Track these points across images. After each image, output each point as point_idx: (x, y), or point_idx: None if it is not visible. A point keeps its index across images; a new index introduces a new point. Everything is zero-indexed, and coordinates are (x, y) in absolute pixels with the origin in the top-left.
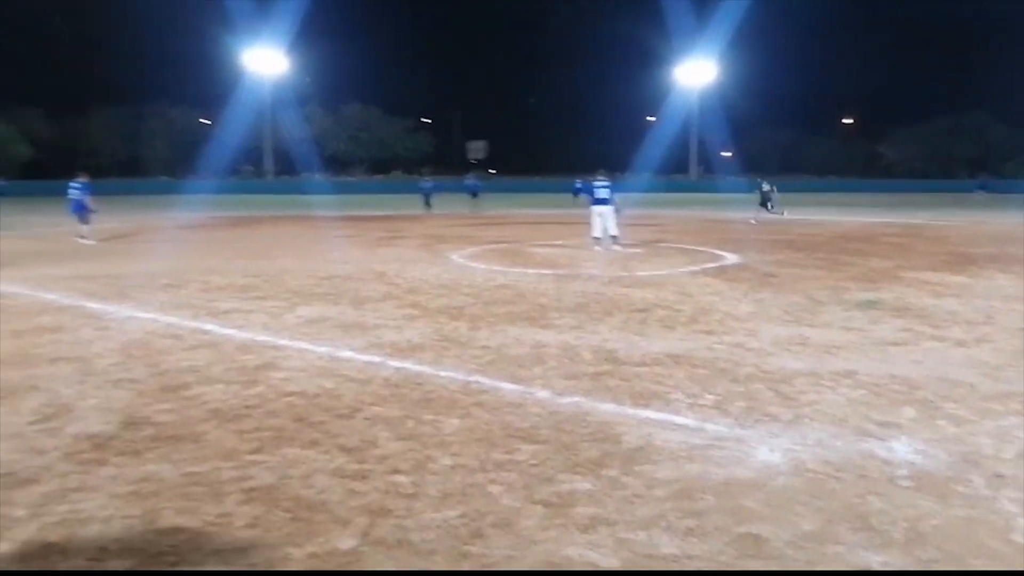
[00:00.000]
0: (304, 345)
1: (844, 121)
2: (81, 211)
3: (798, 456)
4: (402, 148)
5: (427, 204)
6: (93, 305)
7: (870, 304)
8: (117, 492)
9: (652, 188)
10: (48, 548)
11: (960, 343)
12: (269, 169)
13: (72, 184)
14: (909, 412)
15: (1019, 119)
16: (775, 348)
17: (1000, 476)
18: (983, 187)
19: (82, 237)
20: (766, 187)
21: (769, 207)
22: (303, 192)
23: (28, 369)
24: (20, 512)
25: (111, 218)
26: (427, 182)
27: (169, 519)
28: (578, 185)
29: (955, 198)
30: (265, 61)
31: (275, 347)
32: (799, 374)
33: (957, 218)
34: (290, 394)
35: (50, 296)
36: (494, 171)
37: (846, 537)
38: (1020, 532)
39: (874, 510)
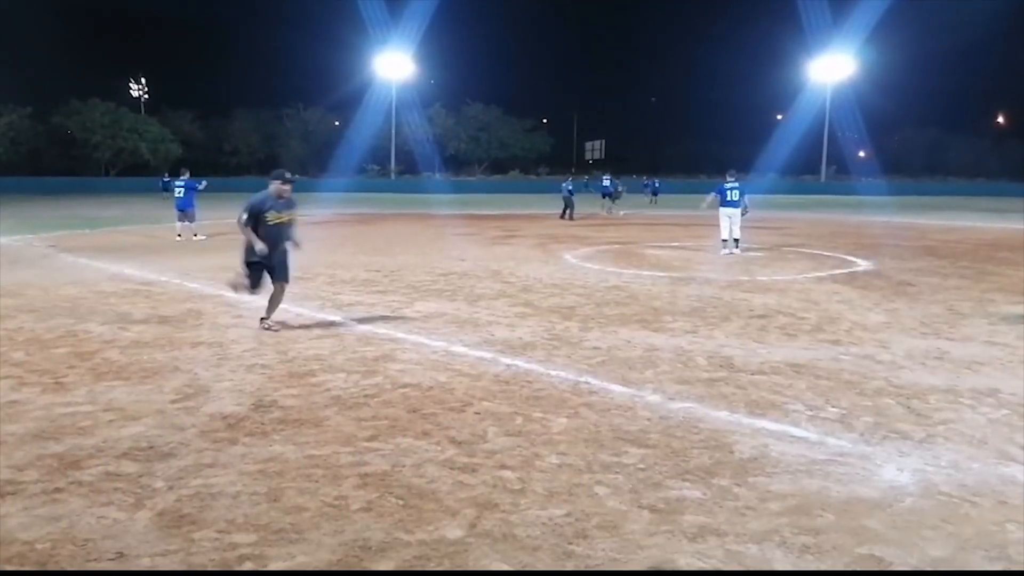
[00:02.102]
0: (420, 339)
1: (996, 119)
2: (187, 208)
3: (929, 477)
4: (520, 148)
5: (569, 206)
6: (231, 295)
7: (1019, 318)
8: (246, 470)
9: (779, 189)
10: (182, 519)
11: None
12: (393, 169)
13: (176, 182)
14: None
15: None
16: (909, 361)
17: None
18: None
19: (193, 235)
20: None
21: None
22: (424, 191)
23: (172, 351)
24: (159, 483)
25: None
26: (570, 183)
27: (291, 498)
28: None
29: None
30: (393, 65)
31: (393, 340)
32: (935, 390)
33: None
34: (405, 386)
35: (193, 285)
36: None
37: (979, 565)
38: None
39: (1013, 539)
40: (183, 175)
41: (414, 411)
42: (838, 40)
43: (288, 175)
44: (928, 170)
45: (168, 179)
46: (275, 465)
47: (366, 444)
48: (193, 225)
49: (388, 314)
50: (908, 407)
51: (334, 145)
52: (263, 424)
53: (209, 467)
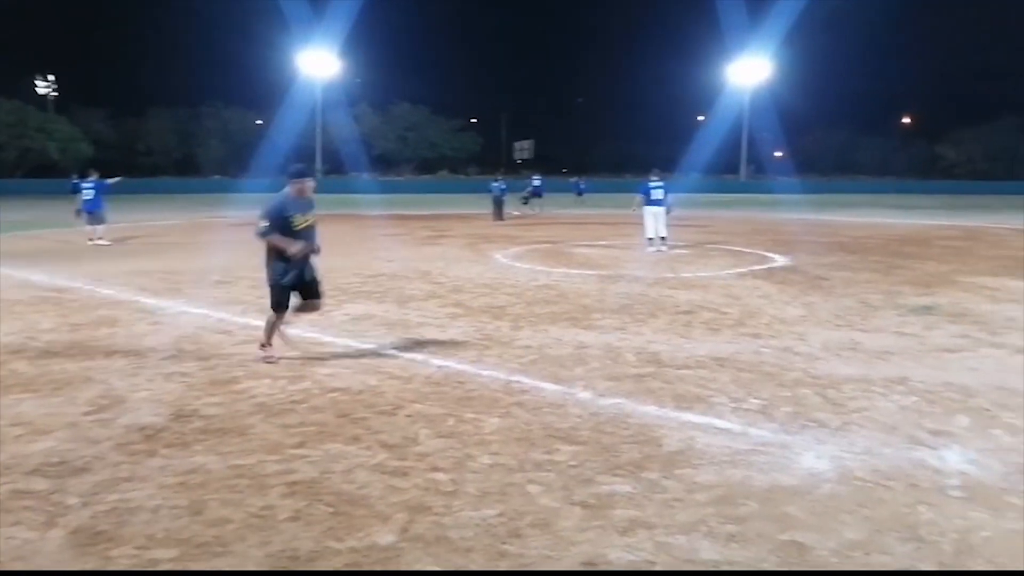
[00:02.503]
0: (349, 342)
1: (902, 120)
2: (95, 210)
3: (845, 464)
4: (449, 148)
5: (498, 206)
6: (147, 300)
7: (925, 309)
8: (165, 483)
9: (701, 188)
10: (97, 536)
11: (1019, 350)
12: (319, 168)
13: (84, 183)
14: (963, 421)
15: None
16: (824, 353)
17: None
18: None
19: (97, 239)
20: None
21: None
22: (351, 191)
23: (84, 361)
24: (73, 500)
25: (165, 216)
26: (499, 183)
27: (215, 510)
28: (581, 186)
29: (1021, 200)
30: (317, 63)
31: (321, 343)
32: (849, 380)
33: (1021, 221)
34: (334, 390)
35: (107, 291)
36: (567, 171)
37: (893, 547)
38: None
39: (923, 520)
40: (91, 176)
41: (343, 416)
42: (755, 44)
43: (308, 170)
44: (839, 169)
45: (77, 180)
46: (197, 477)
47: (293, 451)
48: (100, 229)
49: (316, 317)
50: (824, 397)
51: (256, 145)
52: (183, 435)
53: (126, 481)
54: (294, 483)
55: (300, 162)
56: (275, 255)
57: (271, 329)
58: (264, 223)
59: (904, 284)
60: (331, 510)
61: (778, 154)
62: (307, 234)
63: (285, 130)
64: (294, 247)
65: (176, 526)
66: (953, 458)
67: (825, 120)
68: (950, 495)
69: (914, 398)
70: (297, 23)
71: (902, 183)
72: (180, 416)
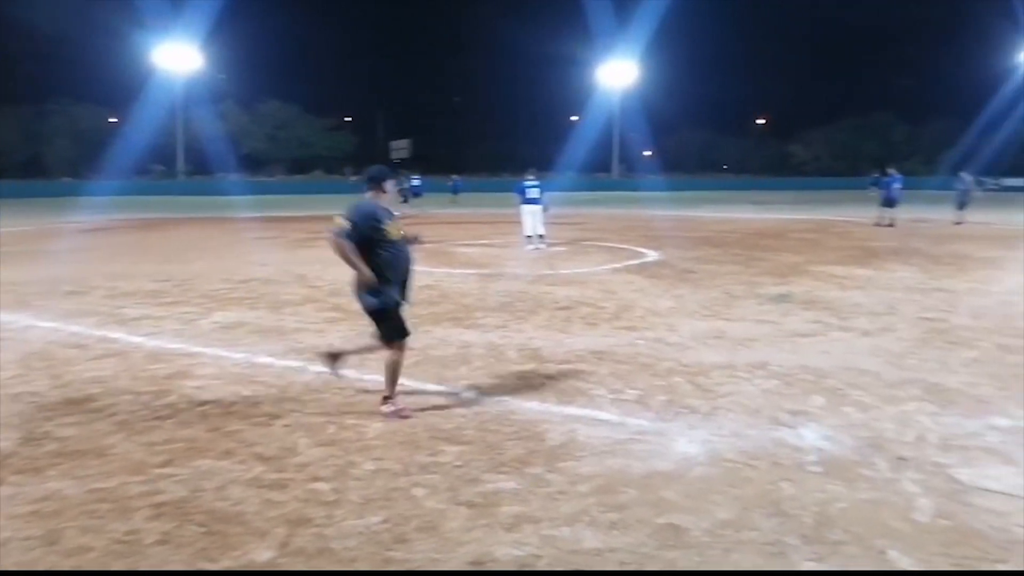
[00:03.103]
0: (219, 352)
1: (757, 122)
2: None
3: (715, 447)
4: (323, 147)
5: (405, 203)
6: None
7: (782, 298)
8: (15, 512)
9: (575, 187)
10: None
11: (865, 333)
12: (181, 169)
13: None
14: (818, 400)
15: (918, 119)
16: (694, 342)
17: (902, 459)
18: (875, 183)
19: None
20: (415, 181)
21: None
22: (218, 192)
23: None
24: None
25: (8, 222)
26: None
27: (72, 538)
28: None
29: (861, 195)
30: (177, 57)
31: (188, 355)
32: (716, 367)
33: (862, 214)
34: (204, 403)
35: None
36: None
37: (760, 523)
38: (920, 512)
39: (786, 496)
40: None
41: (215, 430)
42: (622, 48)
43: (391, 172)
44: (702, 167)
45: None
46: (51, 504)
47: (159, 471)
48: None
49: (181, 327)
50: (695, 384)
51: (109, 144)
52: (35, 459)
53: None
54: (161, 504)
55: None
56: (379, 272)
57: (395, 371)
58: (346, 223)
59: (763, 275)
60: (203, 530)
61: (647, 153)
62: (403, 247)
63: (142, 128)
64: (367, 273)
65: (29, 559)
66: (810, 436)
67: (688, 121)
68: (809, 471)
69: (774, 381)
70: (153, 15)
71: (758, 180)
72: (30, 440)
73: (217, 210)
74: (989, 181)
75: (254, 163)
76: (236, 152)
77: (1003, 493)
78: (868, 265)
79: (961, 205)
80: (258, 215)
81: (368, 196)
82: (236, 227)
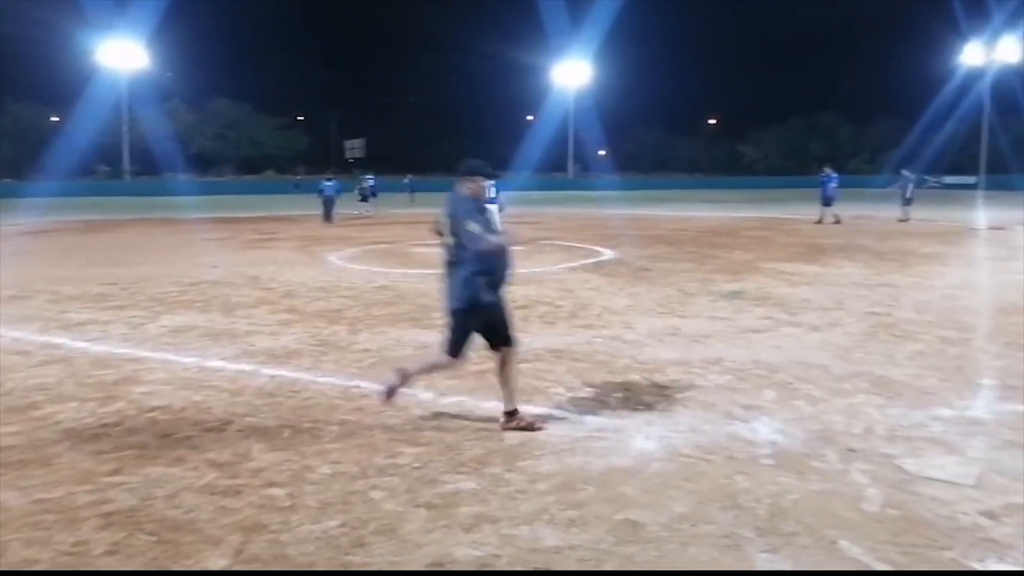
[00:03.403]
0: (169, 356)
1: (709, 122)
2: None
3: (672, 442)
4: (274, 146)
5: (329, 207)
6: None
7: (734, 294)
8: None
9: (531, 186)
10: None
11: (814, 328)
12: (127, 169)
13: None
14: (770, 394)
15: (863, 119)
16: (650, 339)
17: (851, 450)
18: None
19: None
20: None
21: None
22: (166, 193)
23: None
24: None
25: None
26: (331, 183)
27: (16, 552)
28: (413, 184)
29: (810, 193)
30: (121, 55)
31: (136, 360)
32: (672, 363)
33: (810, 212)
34: (153, 409)
35: None
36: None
37: (716, 517)
38: (869, 502)
39: (740, 489)
40: None
41: (165, 436)
42: (576, 48)
43: (485, 166)
44: (656, 167)
45: None
46: None
47: (108, 479)
48: None
49: (129, 331)
50: (651, 381)
51: (52, 143)
52: None
53: None
54: (110, 514)
55: (475, 157)
56: (479, 266)
57: (430, 370)
58: (476, 225)
59: (716, 272)
60: (154, 539)
61: (601, 153)
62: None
63: (86, 128)
64: (514, 236)
65: None
66: (763, 429)
67: (642, 121)
68: (762, 463)
69: (728, 376)
70: (96, 12)
71: (710, 179)
72: None
73: (165, 211)
74: (931, 179)
75: (203, 163)
76: (184, 152)
77: (947, 482)
78: (816, 262)
79: (907, 202)
80: (208, 216)
81: (465, 190)
82: (185, 228)
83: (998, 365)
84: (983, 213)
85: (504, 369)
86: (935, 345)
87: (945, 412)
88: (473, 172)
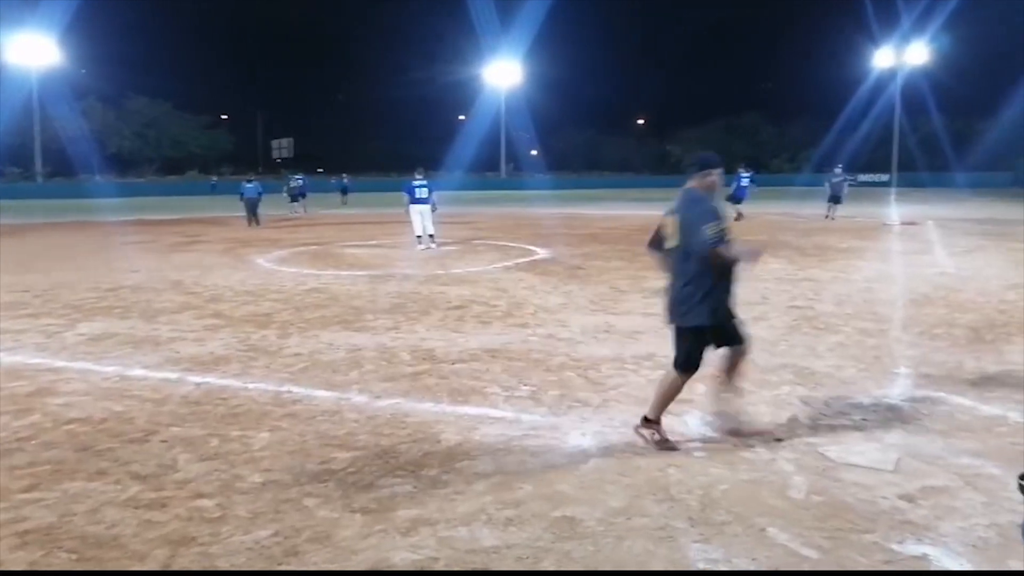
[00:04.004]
0: (87, 365)
1: (637, 122)
2: None
3: (607, 438)
4: (197, 146)
5: (252, 209)
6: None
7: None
8: None
9: (464, 186)
10: None
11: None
12: (40, 171)
13: None
14: (700, 388)
15: (783, 120)
16: (584, 337)
17: (778, 440)
18: (752, 180)
19: None
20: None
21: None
22: (82, 195)
23: None
24: None
25: None
26: (252, 184)
27: None
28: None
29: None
30: (31, 51)
31: (52, 370)
32: (606, 360)
33: (733, 209)
34: (71, 421)
35: None
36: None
37: (651, 509)
38: (796, 489)
39: (673, 481)
40: None
41: (84, 449)
42: (507, 48)
43: (719, 159)
44: (587, 166)
45: None
46: None
47: (23, 496)
48: None
49: (43, 340)
50: (586, 378)
51: None
52: None
53: None
54: (26, 532)
55: (707, 151)
56: (715, 277)
57: (670, 397)
58: (716, 226)
59: (646, 269)
60: (75, 556)
61: (533, 152)
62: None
63: None
64: (747, 254)
65: None
66: (694, 422)
67: (573, 121)
68: (694, 456)
69: (660, 371)
70: (4, 5)
71: (640, 178)
72: None
73: (81, 214)
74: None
75: (122, 163)
76: (101, 152)
77: (868, 468)
78: None
79: (835, 200)
80: (127, 219)
81: (694, 188)
82: (103, 232)
83: (913, 354)
84: (896, 209)
85: (733, 370)
86: (854, 336)
87: (864, 400)
88: (707, 165)
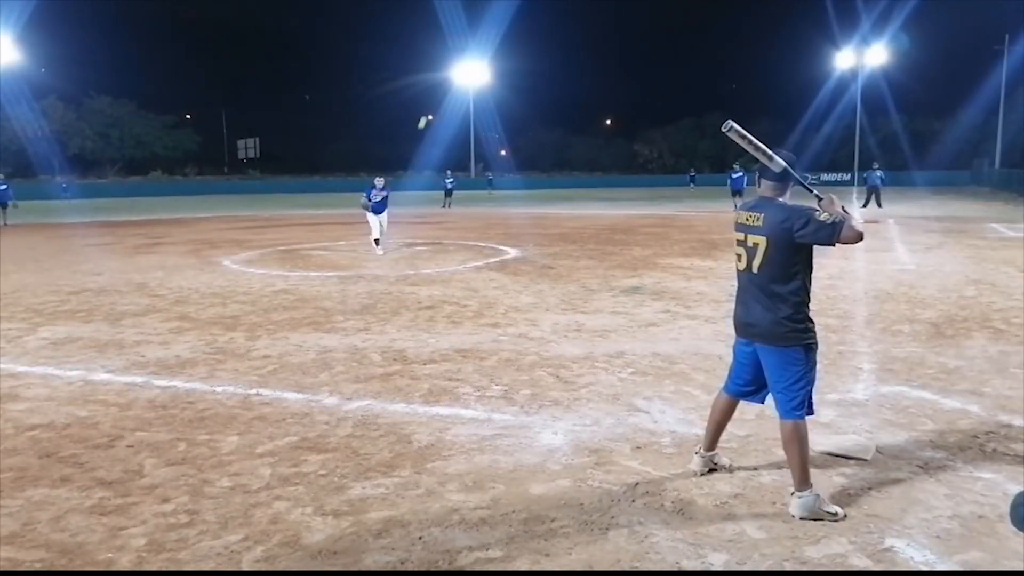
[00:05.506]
0: (50, 370)
1: (606, 122)
2: None
3: (578, 435)
4: (161, 146)
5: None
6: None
7: (634, 290)
8: None
9: (434, 186)
10: None
11: (709, 320)
12: None
13: None
14: (670, 385)
15: (748, 120)
16: (554, 336)
17: (748, 436)
18: (693, 180)
19: None
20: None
21: None
22: (42, 197)
23: None
24: None
25: None
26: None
27: None
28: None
29: (702, 191)
30: None
31: (13, 375)
32: (576, 359)
33: (703, 209)
34: (34, 427)
35: None
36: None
37: (624, 508)
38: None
39: (646, 480)
40: None
41: (48, 455)
42: (475, 48)
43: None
44: (556, 166)
45: None
46: None
47: None
48: None
49: (4, 345)
50: (557, 376)
51: None
52: None
53: None
54: None
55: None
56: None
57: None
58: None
59: (616, 268)
60: (40, 564)
61: (503, 152)
62: None
63: None
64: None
65: None
66: (664, 419)
67: (541, 121)
68: (665, 452)
69: (630, 370)
70: None
71: (608, 178)
72: None
73: (41, 216)
74: (810, 176)
75: (84, 164)
76: (62, 152)
77: (847, 457)
78: (709, 257)
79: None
80: (90, 220)
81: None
82: (64, 233)
83: (876, 350)
84: (857, 208)
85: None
86: (818, 333)
87: (830, 396)
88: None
